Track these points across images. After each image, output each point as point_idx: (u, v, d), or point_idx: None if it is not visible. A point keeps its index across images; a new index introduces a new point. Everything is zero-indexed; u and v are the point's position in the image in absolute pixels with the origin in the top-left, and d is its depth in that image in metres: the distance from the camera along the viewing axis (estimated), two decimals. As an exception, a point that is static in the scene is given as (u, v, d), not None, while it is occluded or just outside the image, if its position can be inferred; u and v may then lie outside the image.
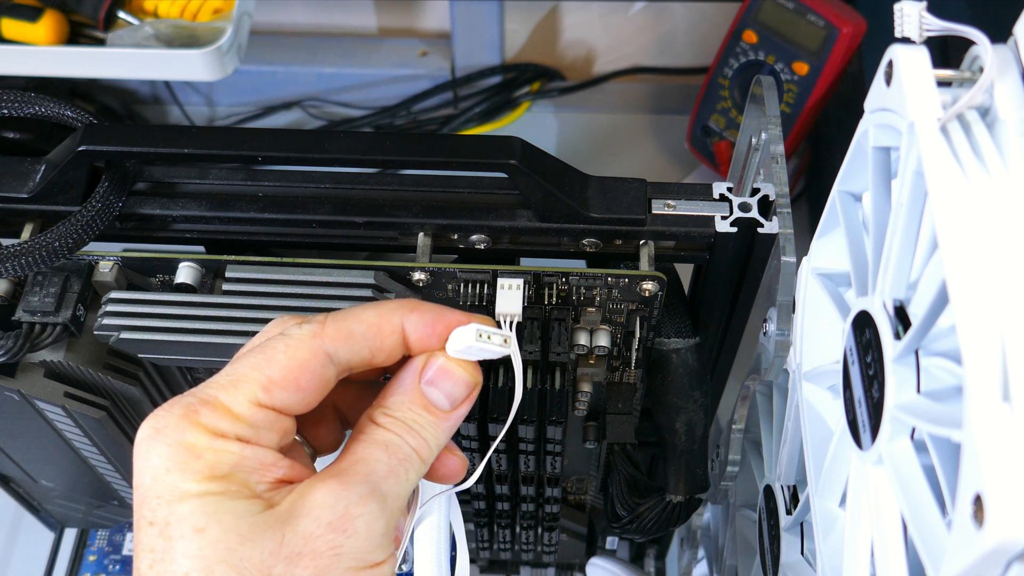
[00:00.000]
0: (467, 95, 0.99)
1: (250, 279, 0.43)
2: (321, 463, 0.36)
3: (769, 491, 0.48)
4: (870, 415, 0.33)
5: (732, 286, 0.48)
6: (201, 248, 0.47)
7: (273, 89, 1.00)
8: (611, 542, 0.71)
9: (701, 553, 0.68)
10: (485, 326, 0.35)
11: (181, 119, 1.01)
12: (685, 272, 0.49)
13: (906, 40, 0.31)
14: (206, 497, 0.30)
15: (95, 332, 0.43)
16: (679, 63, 0.99)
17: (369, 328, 0.34)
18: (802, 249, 0.41)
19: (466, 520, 0.63)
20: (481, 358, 0.36)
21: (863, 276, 0.35)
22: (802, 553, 0.45)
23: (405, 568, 0.40)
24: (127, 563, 0.73)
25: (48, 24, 0.69)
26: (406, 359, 0.36)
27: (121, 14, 0.70)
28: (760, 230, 0.44)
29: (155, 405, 0.33)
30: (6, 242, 0.43)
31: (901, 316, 0.32)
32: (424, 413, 0.35)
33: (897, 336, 0.31)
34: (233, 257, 0.44)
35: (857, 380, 0.34)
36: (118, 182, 0.44)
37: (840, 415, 0.36)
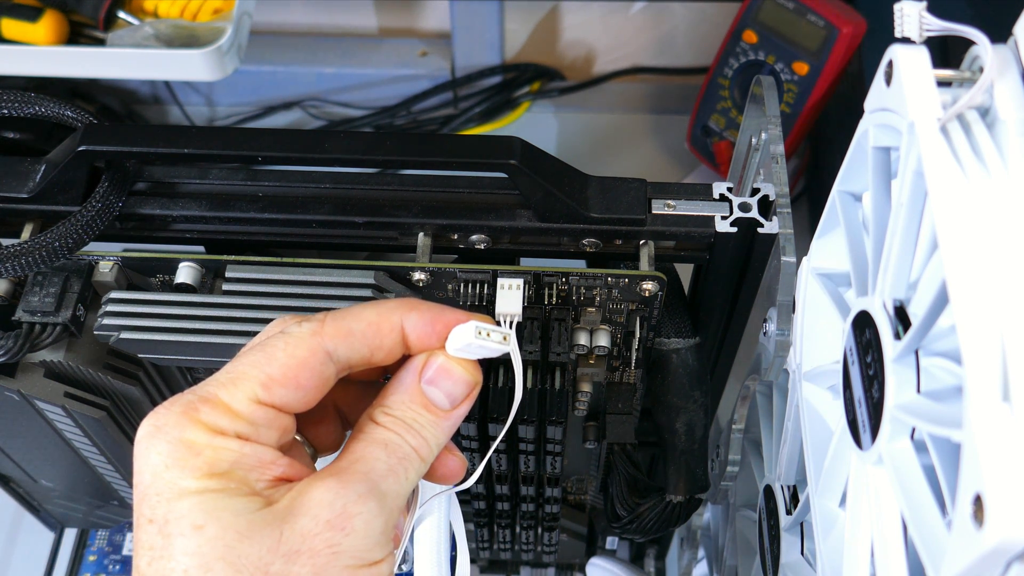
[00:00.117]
0: (467, 95, 0.99)
1: (250, 279, 0.43)
2: (322, 463, 0.36)
3: (769, 491, 0.48)
4: (870, 415, 0.33)
5: (732, 286, 0.48)
6: (201, 248, 0.47)
7: (273, 89, 1.00)
8: (611, 542, 0.71)
9: (701, 553, 0.68)
10: (484, 323, 0.35)
11: (181, 119, 1.01)
12: (685, 272, 0.49)
13: (906, 40, 0.31)
14: (205, 494, 0.31)
15: (95, 332, 0.43)
16: (679, 63, 0.99)
17: (368, 326, 0.34)
18: (802, 249, 0.41)
19: (466, 520, 0.63)
20: (481, 356, 0.36)
21: (863, 276, 0.35)
22: (802, 553, 0.45)
23: (405, 568, 0.40)
24: (127, 563, 0.73)
25: (48, 24, 0.69)
26: (406, 359, 0.36)
27: (121, 14, 0.70)
28: (760, 230, 0.44)
29: (155, 405, 0.33)
30: (6, 242, 0.43)
31: (901, 316, 0.32)
32: (424, 412, 0.35)
33: (897, 336, 0.31)
34: (233, 257, 0.44)
35: (857, 380, 0.34)
36: (118, 182, 0.44)
37: (840, 415, 0.36)
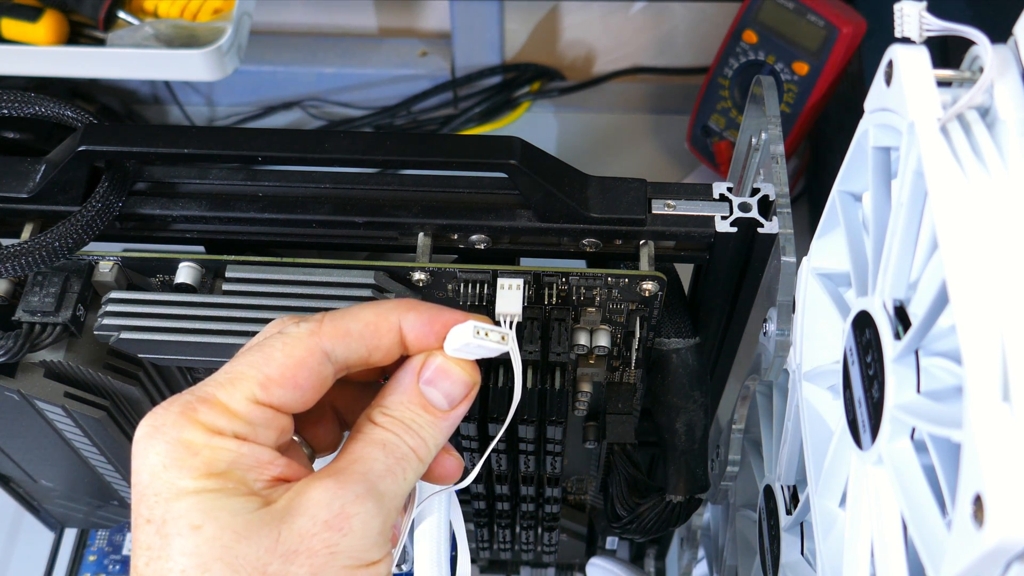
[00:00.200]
0: (467, 95, 0.99)
1: (250, 279, 0.43)
2: (320, 464, 0.36)
3: (769, 491, 0.48)
4: (870, 415, 0.33)
5: (732, 286, 0.48)
6: (201, 248, 0.47)
7: (273, 89, 1.00)
8: (611, 542, 0.71)
9: (701, 553, 0.68)
10: (482, 323, 0.35)
11: (181, 119, 1.01)
12: (685, 272, 0.49)
13: (906, 40, 0.31)
14: (203, 494, 0.31)
15: (95, 332, 0.43)
16: (679, 63, 0.99)
17: (366, 326, 0.34)
18: (802, 249, 0.41)
19: (466, 520, 0.63)
20: (480, 356, 0.36)
21: (863, 276, 0.35)
22: (802, 553, 0.45)
23: (405, 568, 0.40)
24: (127, 563, 0.73)
25: (48, 24, 0.69)
26: (405, 359, 0.36)
27: (121, 14, 0.70)
28: (760, 230, 0.44)
29: (155, 405, 0.33)
30: (6, 242, 0.43)
31: (901, 316, 0.32)
32: (422, 412, 0.35)
33: (897, 336, 0.31)
34: (233, 257, 0.44)
35: (857, 380, 0.34)
36: (118, 182, 0.44)
37: (840, 415, 0.36)
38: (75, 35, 0.71)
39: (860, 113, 0.34)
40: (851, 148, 0.35)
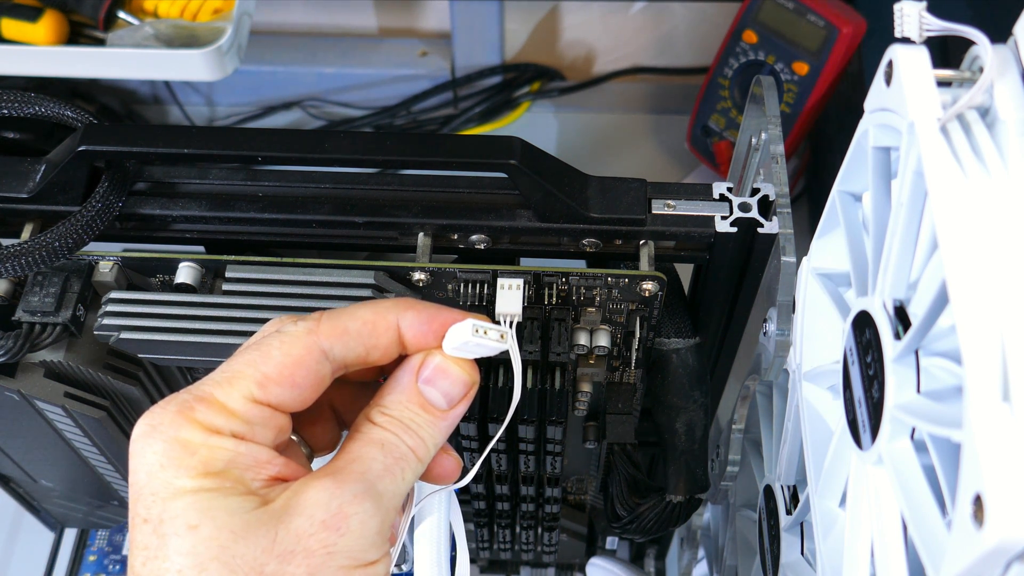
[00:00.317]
0: (467, 95, 0.99)
1: (250, 279, 0.43)
2: (318, 463, 0.36)
3: (769, 491, 0.48)
4: (870, 415, 0.33)
5: (732, 286, 0.48)
6: (201, 248, 0.47)
7: (273, 89, 0.99)
8: (611, 542, 0.71)
9: (701, 553, 0.68)
10: (481, 321, 0.35)
11: (181, 119, 1.01)
12: (685, 272, 0.49)
13: (906, 40, 0.31)
14: (200, 493, 0.30)
15: (95, 332, 0.43)
16: (679, 63, 0.99)
17: (364, 325, 0.34)
18: (802, 249, 0.41)
19: (466, 520, 0.63)
20: (479, 355, 0.36)
21: (863, 276, 0.35)
22: (802, 553, 0.45)
23: (405, 568, 0.40)
24: (127, 562, 0.73)
25: (48, 24, 0.69)
26: (404, 359, 0.36)
27: (121, 14, 0.70)
28: (760, 230, 0.44)
29: (155, 404, 0.33)
30: (6, 242, 0.43)
31: (901, 316, 0.32)
32: (421, 412, 0.34)
33: (897, 336, 0.31)
34: (233, 257, 0.44)
35: (857, 380, 0.34)
36: (118, 182, 0.44)
37: (840, 415, 0.36)
38: (75, 35, 0.71)
39: (860, 113, 0.34)
40: (851, 148, 0.35)
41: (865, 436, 0.33)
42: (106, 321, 0.43)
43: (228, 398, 0.32)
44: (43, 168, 0.45)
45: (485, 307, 0.45)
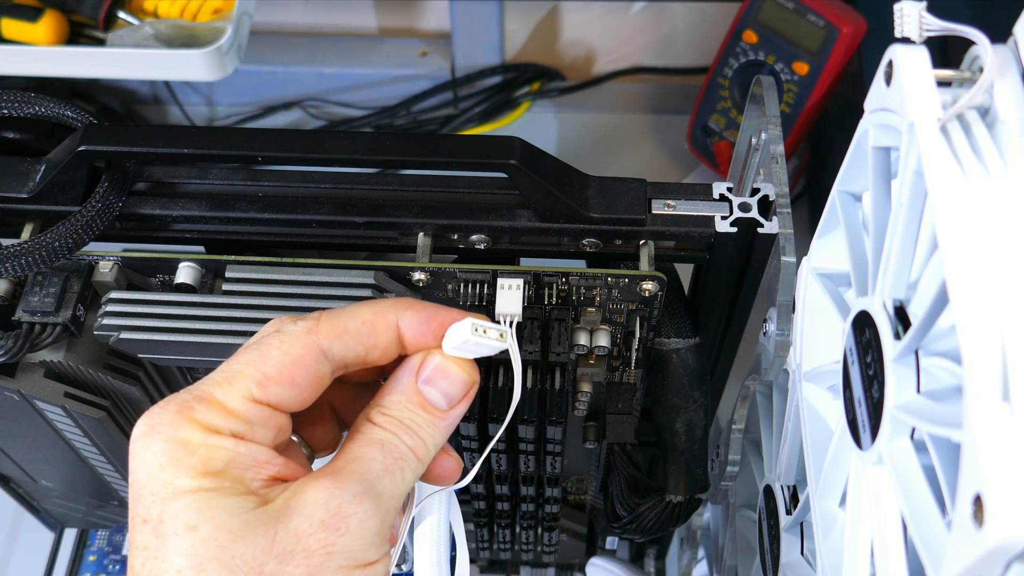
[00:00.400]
0: (467, 95, 0.99)
1: (250, 279, 0.43)
2: (319, 464, 0.36)
3: (769, 491, 0.48)
4: (870, 415, 0.33)
5: (732, 286, 0.48)
6: (201, 248, 0.47)
7: (273, 89, 0.99)
8: (611, 542, 0.71)
9: (701, 553, 0.68)
10: (481, 320, 0.35)
11: (181, 119, 1.01)
12: (685, 272, 0.49)
13: (906, 40, 0.31)
14: (199, 493, 0.30)
15: (95, 332, 0.43)
16: (679, 63, 0.99)
17: (363, 324, 0.34)
18: (802, 249, 0.41)
19: (466, 520, 0.63)
20: (479, 355, 0.36)
21: (863, 276, 0.35)
22: (802, 553, 0.45)
23: (405, 568, 0.40)
24: (127, 563, 0.73)
25: (48, 24, 0.69)
26: (403, 359, 0.36)
27: (121, 14, 0.70)
28: (760, 230, 0.44)
29: (155, 404, 0.33)
30: (6, 242, 0.43)
31: (901, 316, 0.32)
32: (421, 412, 0.34)
33: (897, 336, 0.31)
34: (233, 257, 0.44)
35: (857, 380, 0.34)
36: (118, 182, 0.44)
37: (840, 415, 0.36)
38: (75, 35, 0.71)
39: (860, 113, 0.34)
40: (851, 148, 0.35)
41: (865, 436, 0.33)
42: (106, 321, 0.43)
43: (228, 398, 0.32)
44: (43, 168, 0.45)
45: (485, 307, 0.45)
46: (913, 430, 0.31)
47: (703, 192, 0.45)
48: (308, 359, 0.33)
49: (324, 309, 0.35)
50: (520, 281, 0.43)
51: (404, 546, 0.37)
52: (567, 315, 0.45)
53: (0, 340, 0.44)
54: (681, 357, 0.49)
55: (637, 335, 0.46)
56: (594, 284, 0.44)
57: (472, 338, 0.35)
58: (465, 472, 0.37)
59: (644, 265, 0.44)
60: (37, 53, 0.69)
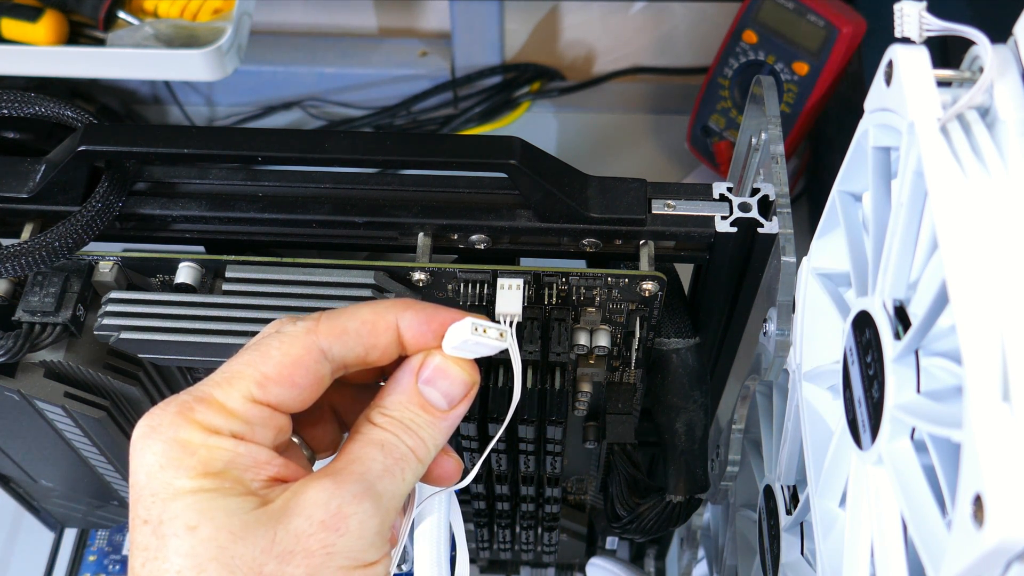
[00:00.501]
0: (467, 95, 0.99)
1: (250, 279, 0.43)
2: (319, 466, 0.36)
3: (769, 491, 0.48)
4: (870, 415, 0.33)
5: (732, 286, 0.48)
6: (201, 248, 0.47)
7: (273, 89, 0.99)
8: (611, 542, 0.71)
9: (701, 553, 0.68)
10: (480, 320, 0.35)
11: (181, 119, 1.01)
12: (685, 272, 0.49)
13: (906, 40, 0.31)
14: (199, 494, 0.30)
15: (95, 332, 0.43)
16: (679, 63, 0.99)
17: (363, 324, 0.34)
18: (802, 249, 0.41)
19: (466, 520, 0.63)
20: (479, 355, 0.36)
21: (863, 276, 0.35)
22: (802, 553, 0.45)
23: (405, 568, 0.40)
24: (127, 563, 0.73)
25: (48, 24, 0.69)
26: (403, 360, 0.36)
27: (121, 14, 0.70)
28: (760, 230, 0.44)
29: (155, 405, 0.33)
30: (6, 242, 0.43)
31: (901, 316, 0.32)
32: (421, 413, 0.34)
33: (897, 336, 0.31)
34: (233, 257, 0.44)
35: (857, 380, 0.34)
36: (118, 182, 0.44)
37: (840, 415, 0.36)
38: (75, 35, 0.71)
39: (860, 113, 0.34)
40: (851, 148, 0.35)
41: (865, 436, 0.33)
42: (106, 321, 0.43)
43: (227, 398, 0.32)
44: (43, 168, 0.45)
45: (485, 307, 0.45)
46: (913, 430, 0.31)
47: (703, 192, 0.45)
48: (308, 359, 0.33)
49: (324, 309, 0.35)
50: (520, 281, 0.43)
51: (404, 546, 0.37)
52: (567, 315, 0.45)
53: (0, 340, 0.44)
54: (681, 357, 0.49)
55: (637, 335, 0.46)
56: (594, 284, 0.44)
57: (472, 338, 0.35)
58: (465, 473, 0.37)
59: (644, 265, 0.44)
60: (37, 53, 0.69)
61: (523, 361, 0.46)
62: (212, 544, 0.30)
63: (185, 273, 0.44)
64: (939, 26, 0.30)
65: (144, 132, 0.43)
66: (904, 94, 0.30)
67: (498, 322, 0.36)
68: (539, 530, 0.65)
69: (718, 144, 0.88)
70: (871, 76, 0.32)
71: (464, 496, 0.60)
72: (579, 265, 0.45)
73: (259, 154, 0.43)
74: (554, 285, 0.44)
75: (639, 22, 0.97)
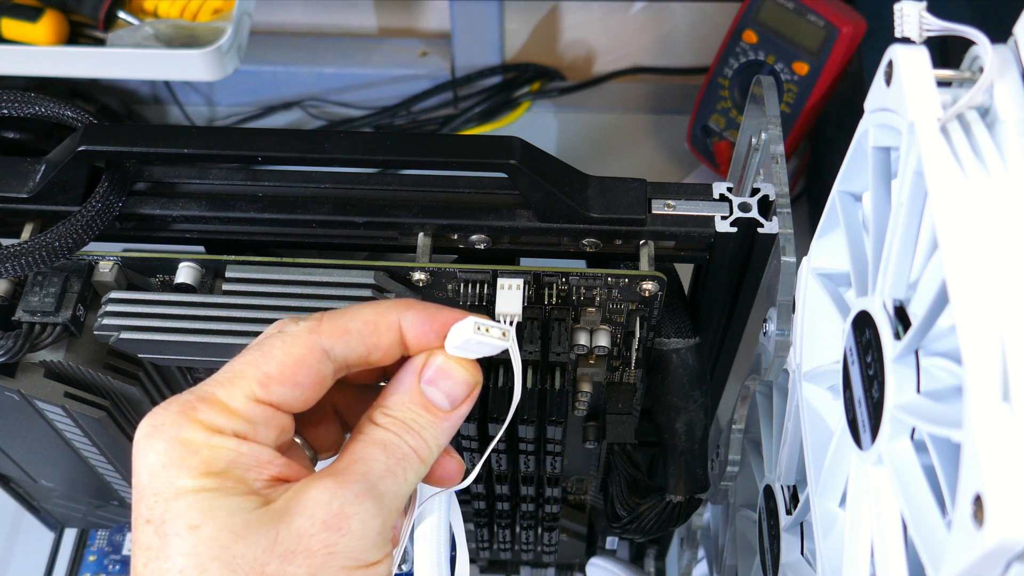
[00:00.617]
0: (467, 95, 0.99)
1: (250, 279, 0.43)
2: (322, 466, 0.36)
3: (769, 491, 0.48)
4: (870, 415, 0.33)
5: (732, 286, 0.48)
6: (201, 248, 0.48)
7: (273, 89, 1.00)
8: (611, 542, 0.71)
9: (701, 553, 0.68)
10: (482, 319, 0.35)
11: (181, 119, 1.01)
12: (685, 272, 0.49)
13: (906, 40, 0.31)
14: (201, 493, 0.30)
15: (95, 332, 0.43)
16: (679, 63, 0.99)
17: (365, 324, 0.34)
18: (802, 249, 0.41)
19: (466, 520, 0.63)
20: (481, 355, 0.36)
21: (863, 276, 0.35)
22: (802, 553, 0.45)
23: (405, 568, 0.40)
24: (127, 563, 0.73)
25: (48, 24, 0.69)
26: (405, 360, 0.36)
27: (121, 14, 0.70)
28: (760, 230, 0.44)
29: (155, 405, 0.33)
30: (6, 242, 0.43)
31: (901, 316, 0.32)
32: (423, 413, 0.34)
33: (897, 336, 0.31)
34: (233, 257, 0.44)
35: (857, 380, 0.34)
36: (118, 182, 0.44)
37: (840, 415, 0.36)
38: (75, 35, 0.71)
39: (860, 113, 0.34)
40: (851, 148, 0.35)
41: (865, 436, 0.33)
42: (106, 321, 0.43)
43: (230, 398, 0.32)
44: (43, 168, 0.45)
45: (485, 307, 0.45)
46: (913, 430, 0.31)
47: (703, 192, 0.45)
48: (310, 359, 0.33)
49: (325, 309, 0.35)
50: (520, 281, 0.43)
51: (404, 546, 0.37)
52: (567, 315, 0.45)
53: (0, 340, 0.44)
54: (681, 357, 0.49)
55: (637, 335, 0.46)
56: (594, 284, 0.44)
57: (475, 337, 0.35)
58: (466, 473, 0.37)
59: (644, 265, 0.44)
60: (37, 53, 0.69)
61: (523, 361, 0.46)
62: (214, 543, 0.30)
63: (185, 273, 0.44)
64: (939, 26, 0.30)
65: (144, 132, 0.43)
66: (904, 94, 0.30)
67: (498, 322, 0.36)
68: (539, 530, 0.65)
69: (718, 144, 0.88)
70: (871, 76, 0.32)
71: (464, 496, 0.60)
72: (579, 265, 0.45)
73: (259, 154, 0.43)
74: (554, 285, 0.44)
75: (639, 22, 0.97)
